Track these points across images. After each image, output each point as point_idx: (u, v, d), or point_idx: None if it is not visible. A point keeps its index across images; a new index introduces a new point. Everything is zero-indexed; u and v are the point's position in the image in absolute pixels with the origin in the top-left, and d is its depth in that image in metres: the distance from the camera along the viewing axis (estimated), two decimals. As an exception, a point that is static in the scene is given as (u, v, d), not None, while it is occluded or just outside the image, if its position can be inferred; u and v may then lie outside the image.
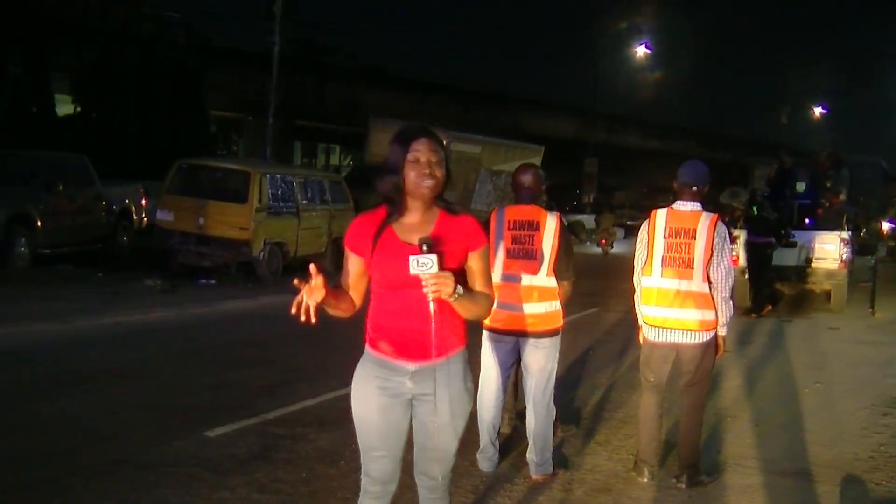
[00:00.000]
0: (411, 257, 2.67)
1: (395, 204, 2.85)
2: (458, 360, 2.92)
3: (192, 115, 22.40)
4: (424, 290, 2.70)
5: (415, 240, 2.72)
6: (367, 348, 2.96)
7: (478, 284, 2.89)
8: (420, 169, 2.80)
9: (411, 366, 2.87)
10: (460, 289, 2.75)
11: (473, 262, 2.89)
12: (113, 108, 20.68)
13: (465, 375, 2.95)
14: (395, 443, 2.95)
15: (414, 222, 2.86)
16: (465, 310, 2.85)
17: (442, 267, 2.69)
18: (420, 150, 2.80)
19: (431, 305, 2.74)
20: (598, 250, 22.90)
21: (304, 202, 13.50)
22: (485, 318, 2.96)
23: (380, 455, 2.95)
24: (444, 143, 2.91)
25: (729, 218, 10.46)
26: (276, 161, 19.92)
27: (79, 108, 21.52)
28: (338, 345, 8.31)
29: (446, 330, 2.85)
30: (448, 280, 2.69)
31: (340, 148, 43.02)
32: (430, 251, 2.67)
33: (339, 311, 2.90)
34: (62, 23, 22.15)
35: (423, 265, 2.66)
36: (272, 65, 19.01)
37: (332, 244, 14.42)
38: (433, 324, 2.77)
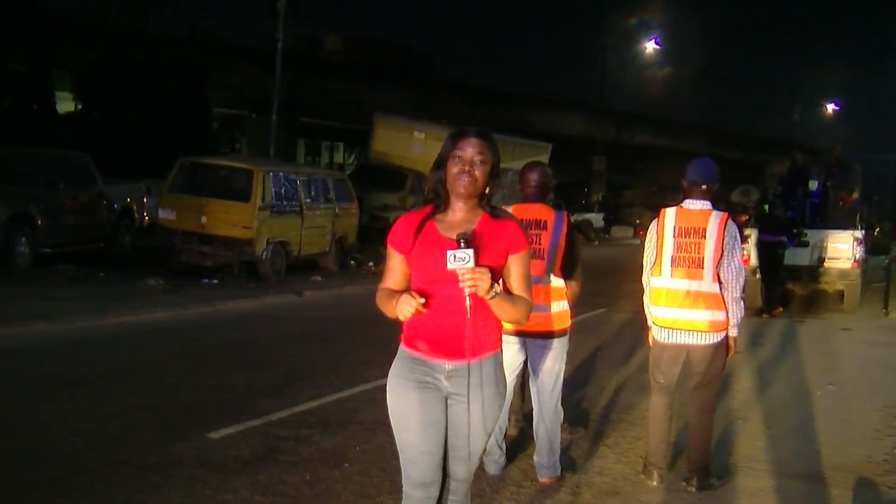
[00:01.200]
0: (449, 252, 2.70)
1: (440, 197, 2.89)
2: (490, 364, 2.92)
3: (195, 113, 22.30)
4: (461, 284, 2.70)
5: (454, 236, 2.75)
6: (403, 347, 2.96)
7: (517, 288, 2.89)
8: (461, 166, 2.82)
9: (447, 364, 2.88)
10: (497, 287, 2.76)
11: (514, 266, 2.88)
12: (115, 106, 20.59)
13: (498, 379, 2.95)
14: (434, 438, 2.92)
15: (456, 220, 2.88)
16: (503, 311, 2.84)
17: (478, 263, 2.69)
18: (465, 148, 2.83)
19: (467, 300, 2.74)
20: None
21: (307, 201, 13.41)
22: (523, 323, 2.92)
23: (420, 452, 2.91)
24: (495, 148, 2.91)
25: (748, 217, 10.30)
26: (280, 159, 19.85)
27: (80, 106, 21.44)
28: (341, 346, 8.28)
29: (482, 330, 2.85)
30: (485, 276, 2.69)
31: (344, 146, 42.96)
32: (467, 246, 2.69)
33: None
34: (64, 20, 22.11)
35: (461, 260, 2.68)
36: (275, 62, 18.92)
37: (335, 243, 14.37)
38: (469, 321, 2.76)
